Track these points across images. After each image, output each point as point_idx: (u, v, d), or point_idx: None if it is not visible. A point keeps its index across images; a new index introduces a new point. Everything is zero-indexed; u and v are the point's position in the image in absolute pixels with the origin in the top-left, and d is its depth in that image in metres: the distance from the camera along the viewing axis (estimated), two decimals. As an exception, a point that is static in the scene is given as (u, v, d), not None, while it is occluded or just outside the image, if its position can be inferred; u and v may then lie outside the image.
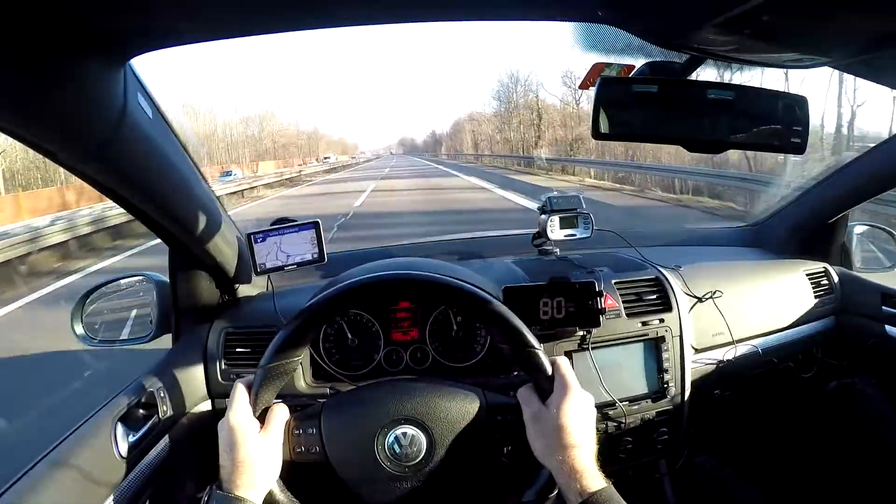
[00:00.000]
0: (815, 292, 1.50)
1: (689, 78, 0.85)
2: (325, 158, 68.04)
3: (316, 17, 0.70)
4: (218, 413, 1.17)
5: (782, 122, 0.84)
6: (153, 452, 1.01)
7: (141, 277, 1.28)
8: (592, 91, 0.82)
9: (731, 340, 1.33)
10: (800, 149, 0.84)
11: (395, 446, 0.81)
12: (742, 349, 1.35)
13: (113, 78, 0.68)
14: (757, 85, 0.84)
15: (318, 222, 1.17)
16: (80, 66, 0.61)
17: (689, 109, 0.83)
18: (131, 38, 0.65)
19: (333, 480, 0.82)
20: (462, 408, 0.83)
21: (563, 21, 0.75)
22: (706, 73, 0.88)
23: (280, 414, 0.80)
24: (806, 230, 1.62)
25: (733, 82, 0.84)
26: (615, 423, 1.18)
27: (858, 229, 1.67)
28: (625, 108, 0.82)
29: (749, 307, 1.40)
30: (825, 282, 1.54)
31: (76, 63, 0.60)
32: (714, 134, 0.84)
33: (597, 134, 0.81)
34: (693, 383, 1.28)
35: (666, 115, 0.83)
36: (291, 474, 0.81)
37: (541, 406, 0.78)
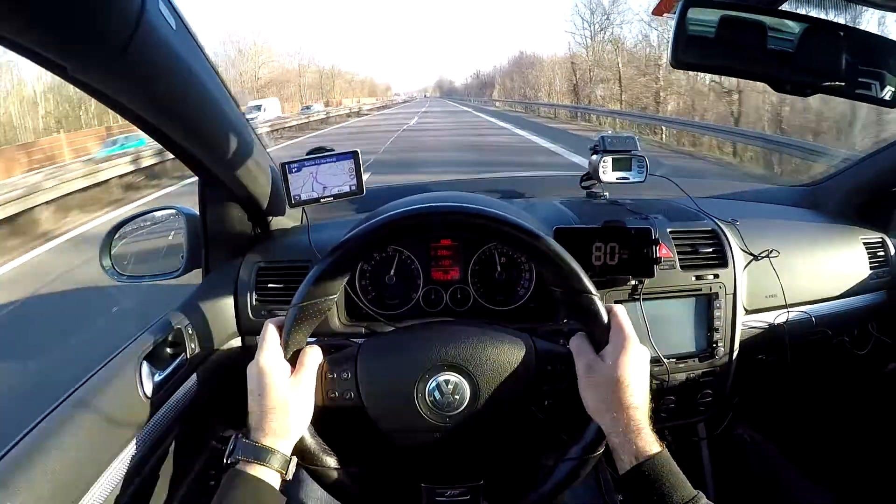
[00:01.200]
0: (870, 263, 1.41)
1: (784, 8, 0.77)
2: (305, 108, 44.17)
3: None
4: (248, 350, 1.14)
5: (881, 69, 0.76)
6: (180, 391, 0.99)
7: (172, 210, 1.25)
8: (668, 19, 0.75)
9: (783, 304, 1.26)
10: (893, 102, 0.77)
11: (437, 393, 0.77)
12: (794, 314, 1.28)
13: None
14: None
15: (357, 152, 1.09)
16: None
17: (782, 43, 0.75)
18: None
19: (369, 428, 0.79)
20: (510, 354, 0.79)
21: None
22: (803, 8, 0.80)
23: (313, 357, 0.76)
24: (866, 196, 1.52)
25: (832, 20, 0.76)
26: (658, 381, 1.14)
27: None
28: (711, 35, 0.75)
29: (804, 271, 1.32)
30: (881, 253, 1.45)
31: None
32: (808, 74, 0.77)
33: (676, 62, 0.75)
34: (741, 346, 1.22)
35: (756, 48, 0.76)
36: (324, 420, 0.78)
37: (595, 357, 0.73)
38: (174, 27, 0.73)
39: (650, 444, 0.68)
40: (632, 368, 0.70)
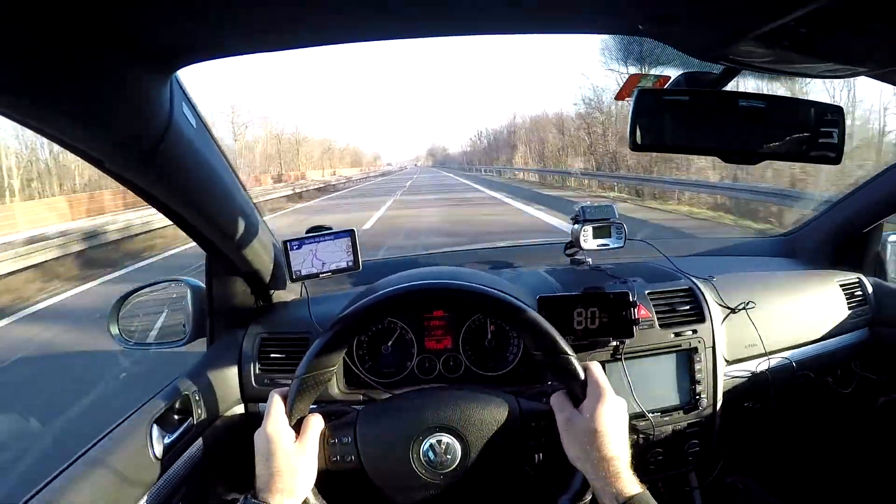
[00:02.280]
0: (848, 303, 1.47)
1: (723, 89, 0.85)
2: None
3: (360, 30, 0.71)
4: (251, 417, 1.19)
5: (817, 132, 0.83)
6: (187, 454, 1.03)
7: (177, 281, 1.31)
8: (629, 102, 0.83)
9: (763, 352, 1.31)
10: (836, 159, 0.83)
11: (430, 454, 0.82)
12: (775, 361, 1.33)
13: (160, 89, 0.71)
14: (791, 94, 0.84)
15: (353, 231, 1.19)
16: (130, 78, 0.64)
17: (723, 119, 0.83)
18: (179, 51, 0.67)
19: (368, 488, 0.83)
20: (496, 415, 0.84)
21: (604, 34, 0.76)
22: (741, 83, 0.88)
23: (315, 424, 0.82)
24: (840, 240, 1.60)
25: (768, 92, 0.84)
26: (644, 435, 1.18)
27: (893, 239, 1.64)
28: (660, 118, 0.82)
29: (782, 318, 1.38)
30: (859, 293, 1.51)
31: (126, 74, 0.63)
32: (749, 144, 0.84)
33: (634, 145, 0.81)
34: (725, 395, 1.26)
35: (700, 126, 0.83)
36: (327, 482, 0.82)
37: (573, 411, 0.79)
38: (195, 126, 0.84)
39: (630, 485, 0.72)
40: (607, 419, 0.76)
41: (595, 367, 0.81)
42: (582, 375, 0.80)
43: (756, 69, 0.80)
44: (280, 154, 59.08)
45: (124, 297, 1.27)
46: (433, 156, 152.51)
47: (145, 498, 0.90)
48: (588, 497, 0.78)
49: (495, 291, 0.84)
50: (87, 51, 0.56)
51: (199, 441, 1.08)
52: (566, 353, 0.81)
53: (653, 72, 0.99)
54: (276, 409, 0.80)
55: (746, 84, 0.89)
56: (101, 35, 0.56)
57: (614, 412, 0.77)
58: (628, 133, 0.81)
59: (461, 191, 24.05)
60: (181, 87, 0.79)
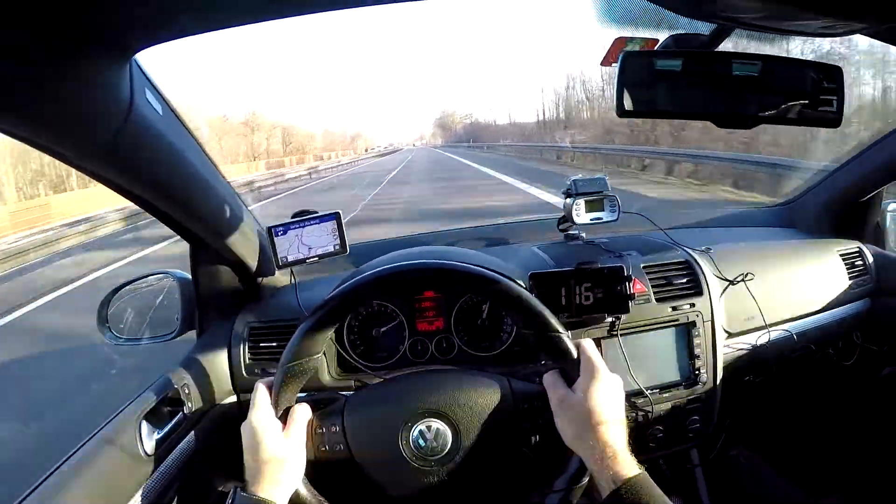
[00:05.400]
0: (849, 273, 1.45)
1: (715, 50, 0.82)
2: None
3: None
4: (244, 406, 1.16)
5: (816, 93, 0.80)
6: (179, 448, 1.02)
7: (164, 275, 1.29)
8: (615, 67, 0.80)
9: (763, 325, 1.29)
10: (835, 122, 0.80)
11: (420, 440, 0.80)
12: (775, 334, 1.31)
13: (119, 74, 0.67)
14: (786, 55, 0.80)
15: (338, 213, 1.16)
16: (85, 64, 0.61)
17: (716, 83, 0.80)
18: (134, 32, 0.64)
19: (359, 476, 0.81)
20: (487, 397, 0.82)
21: None
22: (733, 45, 0.85)
23: (302, 413, 0.80)
24: (839, 209, 1.56)
25: (763, 53, 0.81)
26: (643, 413, 1.16)
27: (893, 207, 1.60)
28: (649, 83, 0.79)
29: (782, 290, 1.36)
30: (859, 262, 1.49)
31: (80, 60, 0.60)
32: (745, 108, 0.81)
33: (621, 111, 0.79)
34: (725, 369, 1.25)
35: (693, 90, 0.80)
36: (317, 471, 0.80)
37: (567, 391, 0.76)
38: (161, 113, 0.80)
39: (627, 467, 0.69)
40: (602, 397, 0.73)
41: (588, 344, 0.79)
42: (574, 354, 0.78)
43: (748, 26, 0.76)
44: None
45: (112, 294, 1.25)
46: (446, 128, 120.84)
47: (139, 493, 0.89)
48: (586, 479, 0.76)
49: (482, 269, 0.81)
50: (37, 37, 0.52)
51: (192, 434, 1.06)
52: (557, 332, 0.78)
53: (639, 34, 0.95)
54: (261, 399, 0.79)
55: (739, 47, 0.85)
56: (49, 20, 0.52)
57: (609, 390, 0.75)
58: (615, 99, 0.79)
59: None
60: (143, 73, 0.75)
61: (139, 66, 0.73)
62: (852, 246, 1.50)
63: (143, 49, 0.67)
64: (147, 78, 0.77)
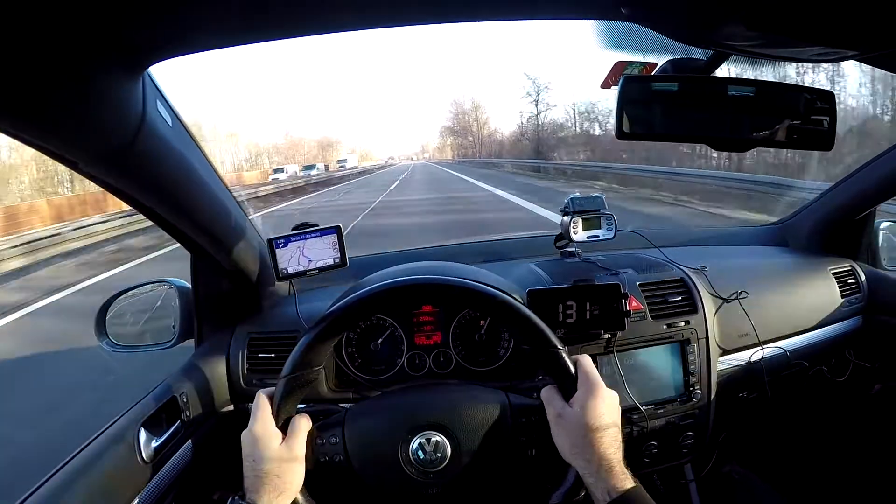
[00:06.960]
0: (842, 291, 1.47)
1: (711, 75, 0.84)
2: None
3: (333, 21, 0.69)
4: (241, 416, 1.17)
5: (809, 118, 0.82)
6: (176, 456, 1.02)
7: (163, 283, 1.29)
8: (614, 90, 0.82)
9: (757, 342, 1.31)
10: (827, 145, 0.82)
11: (420, 453, 0.81)
12: (769, 350, 1.33)
13: (132, 86, 0.69)
14: (781, 80, 0.82)
15: (339, 227, 1.18)
16: (100, 75, 0.62)
17: (712, 107, 0.82)
18: (149, 47, 0.65)
19: (358, 487, 0.82)
20: (486, 411, 0.83)
21: (585, 19, 0.75)
22: (729, 69, 0.87)
23: (302, 424, 0.81)
24: (832, 228, 1.59)
25: (757, 78, 0.83)
26: (638, 428, 1.17)
27: (885, 226, 1.63)
28: (647, 106, 0.81)
29: (775, 307, 1.38)
30: (852, 280, 1.51)
31: (95, 72, 0.61)
32: (739, 131, 0.83)
33: (620, 134, 0.80)
34: (719, 385, 1.26)
35: (689, 113, 0.82)
36: (317, 483, 0.81)
37: (564, 405, 0.78)
38: (171, 124, 0.82)
39: (622, 480, 0.71)
40: (599, 412, 0.75)
41: (585, 360, 0.80)
42: (572, 369, 0.79)
43: (743, 53, 0.78)
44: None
45: (109, 301, 1.25)
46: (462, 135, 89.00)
47: (136, 502, 0.88)
48: (582, 493, 0.77)
49: (481, 285, 0.83)
50: (54, 49, 0.54)
51: (189, 443, 1.06)
52: (556, 348, 0.80)
53: (638, 59, 0.97)
54: (262, 409, 0.79)
55: (735, 72, 0.88)
56: (67, 33, 0.54)
57: (606, 406, 0.76)
58: (614, 121, 0.80)
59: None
60: (155, 85, 0.77)
61: (152, 79, 0.75)
62: (845, 264, 1.52)
63: (156, 63, 0.69)
64: (159, 90, 0.78)
